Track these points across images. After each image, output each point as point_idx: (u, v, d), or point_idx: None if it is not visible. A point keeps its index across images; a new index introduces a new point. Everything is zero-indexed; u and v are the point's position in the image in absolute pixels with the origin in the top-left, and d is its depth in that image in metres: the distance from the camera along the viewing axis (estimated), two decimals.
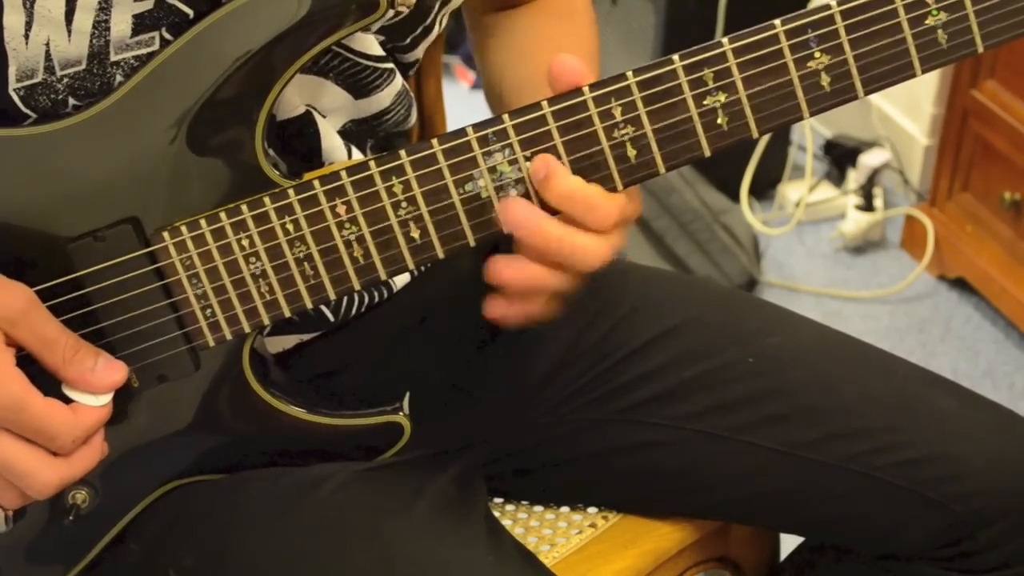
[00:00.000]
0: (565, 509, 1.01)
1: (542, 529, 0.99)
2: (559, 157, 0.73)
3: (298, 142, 0.81)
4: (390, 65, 0.84)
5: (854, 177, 2.44)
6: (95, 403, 0.72)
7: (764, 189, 2.49)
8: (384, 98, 0.84)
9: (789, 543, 1.06)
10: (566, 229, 0.73)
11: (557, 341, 0.94)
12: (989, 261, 2.16)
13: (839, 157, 2.50)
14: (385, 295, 0.88)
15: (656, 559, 0.97)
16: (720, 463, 0.92)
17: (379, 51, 0.82)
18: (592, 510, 1.00)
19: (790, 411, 0.91)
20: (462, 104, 1.01)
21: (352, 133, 0.85)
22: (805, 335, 0.97)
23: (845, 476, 0.90)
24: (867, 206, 2.39)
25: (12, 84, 0.73)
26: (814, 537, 1.00)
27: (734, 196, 2.39)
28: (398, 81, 0.85)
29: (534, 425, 0.95)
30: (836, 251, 2.42)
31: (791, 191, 2.48)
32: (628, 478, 0.96)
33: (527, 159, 0.73)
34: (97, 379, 0.72)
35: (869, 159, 2.41)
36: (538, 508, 1.01)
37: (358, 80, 0.83)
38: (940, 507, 0.88)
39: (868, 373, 0.94)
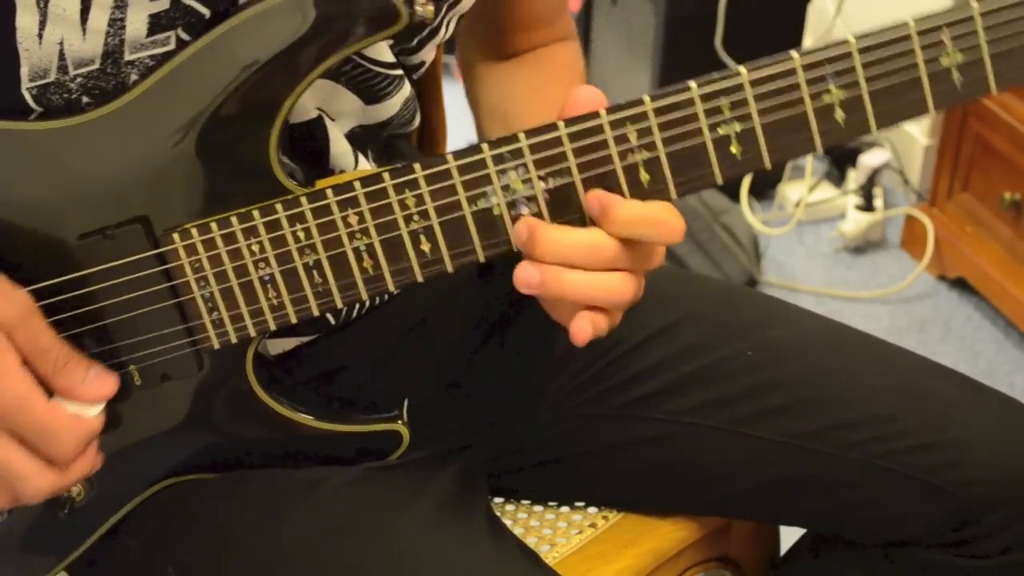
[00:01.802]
0: (565, 509, 1.01)
1: (542, 529, 0.99)
2: (571, 177, 0.73)
3: (307, 145, 0.81)
4: (400, 72, 0.84)
5: (854, 177, 2.44)
6: (85, 414, 0.72)
7: (764, 189, 2.49)
8: (393, 105, 0.84)
9: (788, 541, 1.06)
10: (584, 277, 0.72)
11: (557, 338, 0.94)
12: (989, 261, 2.16)
13: (839, 157, 2.50)
14: (385, 297, 0.88)
15: (656, 559, 0.97)
16: (721, 456, 0.93)
17: (390, 57, 0.82)
18: (592, 510, 1.00)
19: (790, 403, 0.91)
20: (462, 104, 1.01)
21: (358, 137, 0.85)
22: (804, 327, 0.97)
23: (847, 465, 0.90)
24: (867, 206, 2.39)
25: (25, 84, 0.72)
26: (817, 528, 1.00)
27: (734, 196, 2.39)
28: (407, 88, 0.85)
29: (534, 423, 0.95)
30: (836, 251, 2.42)
31: (791, 191, 2.48)
32: (629, 474, 0.96)
33: (540, 178, 0.73)
34: (86, 390, 0.72)
35: (869, 159, 2.41)
36: (538, 508, 1.01)
37: (370, 86, 0.82)
38: (942, 494, 0.89)
39: (867, 362, 0.94)
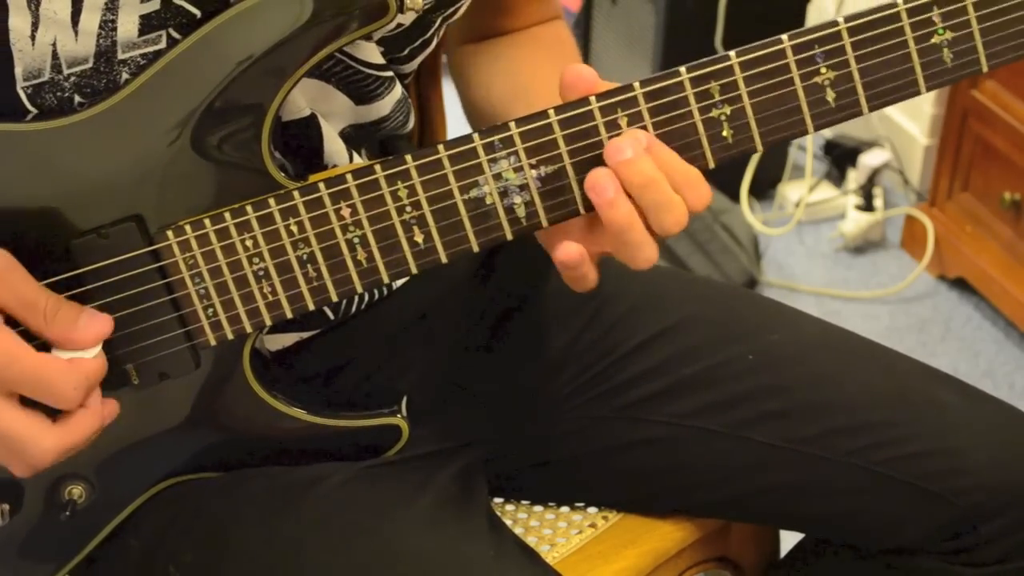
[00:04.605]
0: (565, 509, 1.01)
1: (542, 529, 0.99)
2: (563, 164, 0.73)
3: (302, 144, 0.81)
4: (390, 73, 0.84)
5: (854, 177, 2.45)
6: (82, 358, 0.71)
7: (764, 189, 2.49)
8: (384, 106, 0.85)
9: (788, 542, 1.06)
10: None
11: (558, 339, 0.94)
12: (989, 261, 2.16)
13: (839, 157, 2.50)
14: (385, 293, 0.88)
15: (656, 559, 0.97)
16: (720, 460, 0.93)
17: (379, 59, 0.82)
18: (592, 510, 1.00)
19: (790, 407, 0.91)
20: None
21: (351, 137, 0.85)
22: (805, 331, 0.97)
23: (846, 471, 0.90)
24: (867, 206, 2.39)
25: (19, 83, 0.73)
26: (815, 533, 1.00)
27: (734, 196, 2.39)
28: (398, 89, 0.85)
29: (535, 423, 0.95)
30: (836, 251, 2.42)
31: (791, 191, 2.48)
32: (628, 475, 0.96)
33: (532, 166, 0.73)
34: (81, 334, 0.71)
35: (869, 159, 2.41)
36: (538, 508, 1.01)
37: (360, 87, 0.83)
38: (941, 501, 0.89)
39: (868, 368, 0.94)
